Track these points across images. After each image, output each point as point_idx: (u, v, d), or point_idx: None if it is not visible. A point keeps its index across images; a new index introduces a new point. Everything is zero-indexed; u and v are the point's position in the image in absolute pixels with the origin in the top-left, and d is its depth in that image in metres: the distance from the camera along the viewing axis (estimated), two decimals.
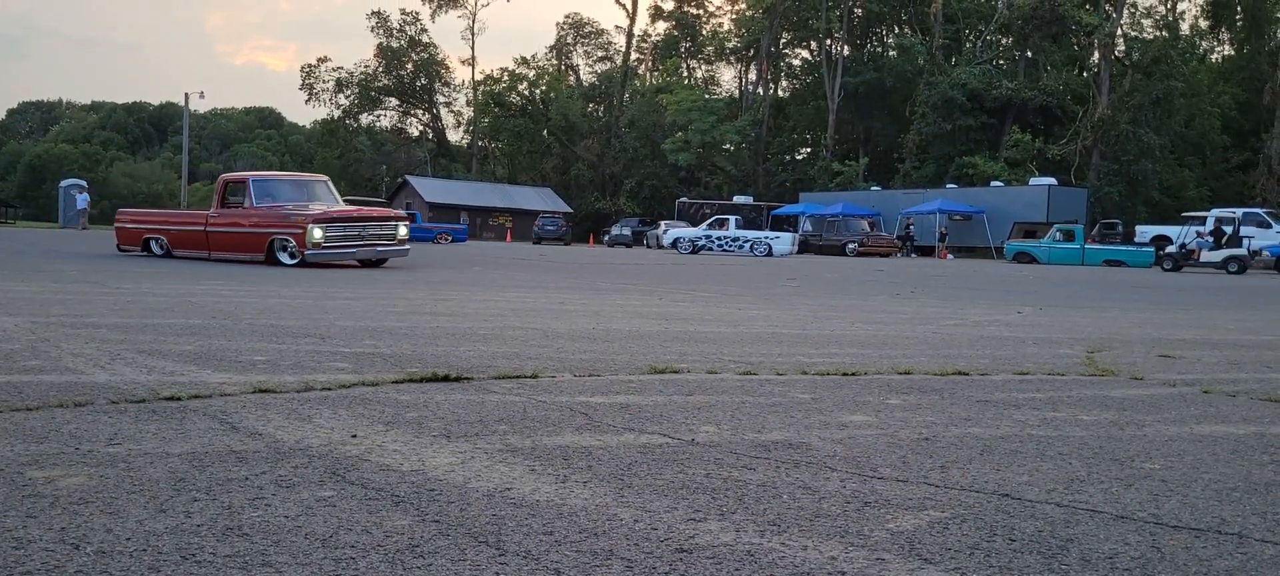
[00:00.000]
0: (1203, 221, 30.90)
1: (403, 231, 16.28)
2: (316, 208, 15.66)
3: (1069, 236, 35.94)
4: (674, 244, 37.15)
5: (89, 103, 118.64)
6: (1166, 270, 28.66)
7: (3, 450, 2.82)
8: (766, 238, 36.09)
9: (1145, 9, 61.01)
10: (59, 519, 2.22)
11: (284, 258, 14.97)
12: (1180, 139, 52.54)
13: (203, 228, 16.19)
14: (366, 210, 17.61)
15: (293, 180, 17.70)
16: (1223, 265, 27.70)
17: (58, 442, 2.93)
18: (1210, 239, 29.09)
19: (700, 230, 37.72)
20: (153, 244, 17.09)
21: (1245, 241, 28.48)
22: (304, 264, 14.72)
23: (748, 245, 35.40)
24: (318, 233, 14.81)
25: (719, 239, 36.15)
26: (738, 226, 37.79)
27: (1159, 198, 49.28)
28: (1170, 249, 29.97)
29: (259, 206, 15.57)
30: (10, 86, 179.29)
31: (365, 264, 15.68)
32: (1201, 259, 28.69)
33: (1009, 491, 2.72)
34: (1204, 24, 61.97)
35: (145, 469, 2.66)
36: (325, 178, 18.34)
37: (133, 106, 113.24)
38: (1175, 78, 50.50)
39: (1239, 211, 31.89)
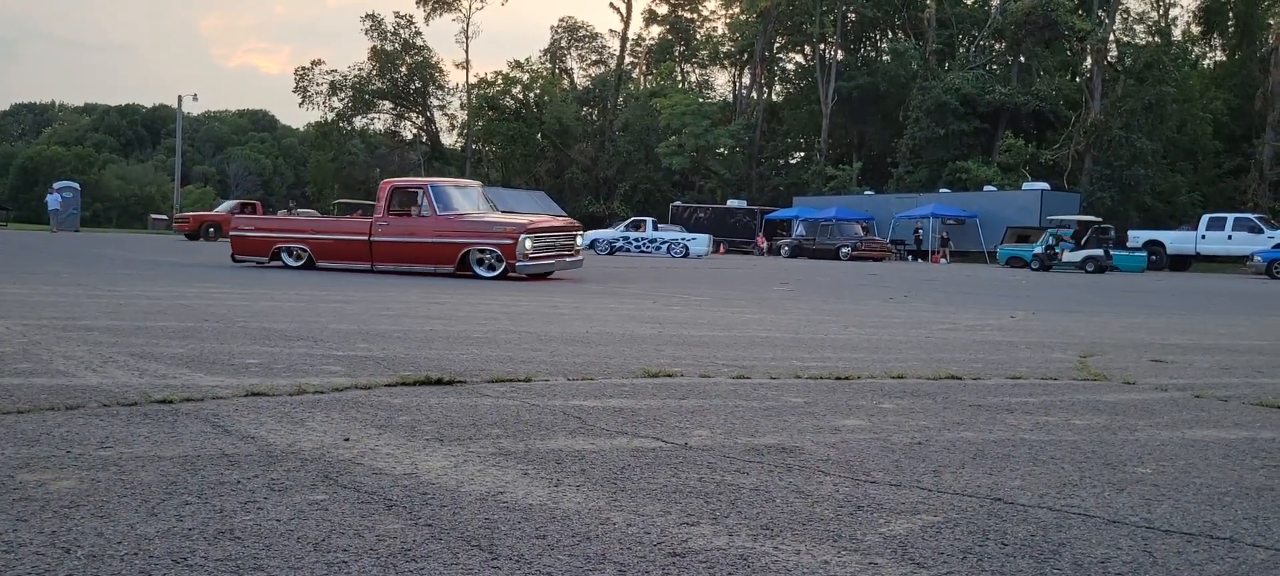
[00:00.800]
0: (1069, 226, 34.22)
1: (580, 242, 15.78)
2: (499, 216, 14.97)
3: (1061, 241, 36.02)
4: (591, 245, 36.27)
5: (82, 105, 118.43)
6: (1035, 270, 31.56)
7: None
8: (683, 238, 36.11)
9: (1138, 15, 61.28)
10: (50, 522, 2.21)
11: (481, 271, 14.17)
12: (1172, 144, 52.71)
13: (365, 237, 14.93)
14: (558, 220, 16.74)
15: (460, 187, 16.36)
16: (1082, 265, 30.92)
17: (49, 446, 2.91)
18: (1067, 243, 32.82)
19: (618, 231, 37.32)
20: (284, 254, 15.59)
21: (1103, 245, 31.93)
22: (503, 276, 13.99)
23: (665, 246, 35.35)
24: (529, 243, 14.07)
25: (636, 239, 35.91)
26: (654, 227, 37.91)
27: (1151, 203, 49.44)
28: (1037, 250, 33.24)
29: (445, 214, 14.64)
30: (2, 88, 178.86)
31: (537, 277, 14.76)
32: (1064, 259, 31.96)
33: (1001, 495, 2.73)
34: (1196, 30, 62.22)
35: (137, 472, 2.65)
36: (478, 183, 17.35)
37: (126, 109, 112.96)
38: (1167, 83, 50.68)
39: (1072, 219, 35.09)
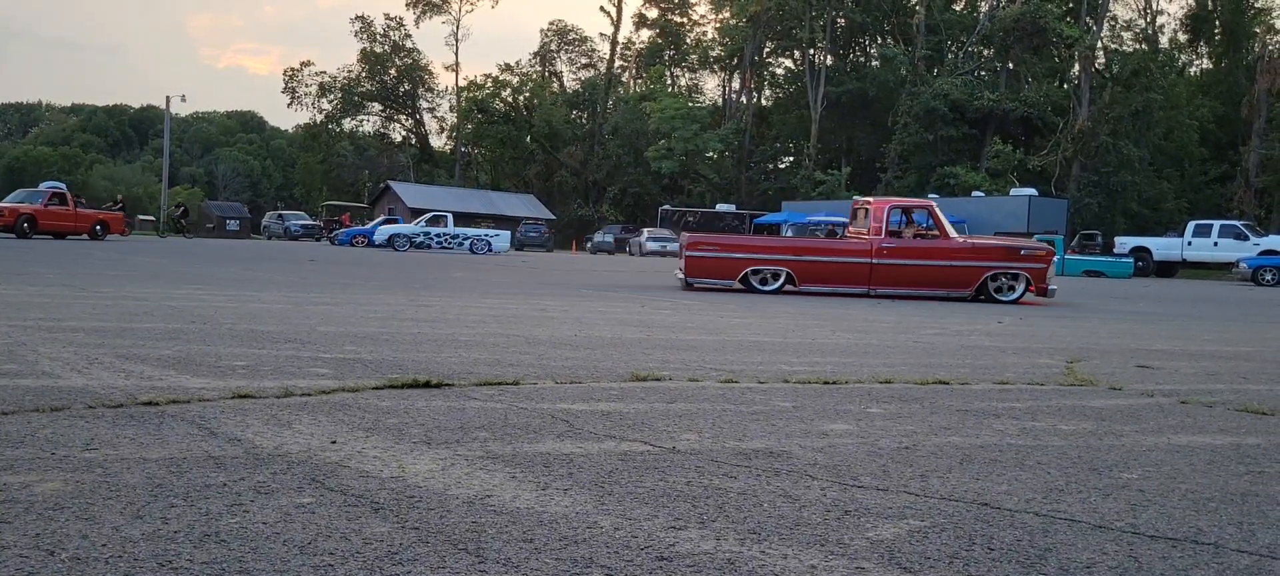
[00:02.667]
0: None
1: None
2: (1020, 240, 14.42)
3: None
4: (390, 241, 35.17)
5: (69, 105, 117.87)
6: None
7: None
8: (487, 235, 35.85)
9: (1125, 22, 61.65)
10: (34, 524, 2.19)
11: (1002, 296, 13.79)
12: (1159, 151, 53.03)
13: (865, 259, 13.98)
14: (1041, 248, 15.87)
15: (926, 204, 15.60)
16: None
17: (33, 447, 2.90)
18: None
19: (418, 226, 36.21)
20: (754, 278, 14.12)
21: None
22: (1016, 302, 13.59)
23: (468, 243, 34.97)
24: (1052, 271, 13.86)
25: (438, 235, 35.29)
26: (453, 223, 37.71)
27: (1138, 209, 49.71)
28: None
29: (962, 236, 14.03)
30: None
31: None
32: None
33: (988, 500, 2.73)
34: (1183, 38, 62.60)
35: (122, 474, 2.64)
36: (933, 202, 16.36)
37: (113, 109, 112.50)
38: (1155, 90, 51.00)
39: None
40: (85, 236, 29.86)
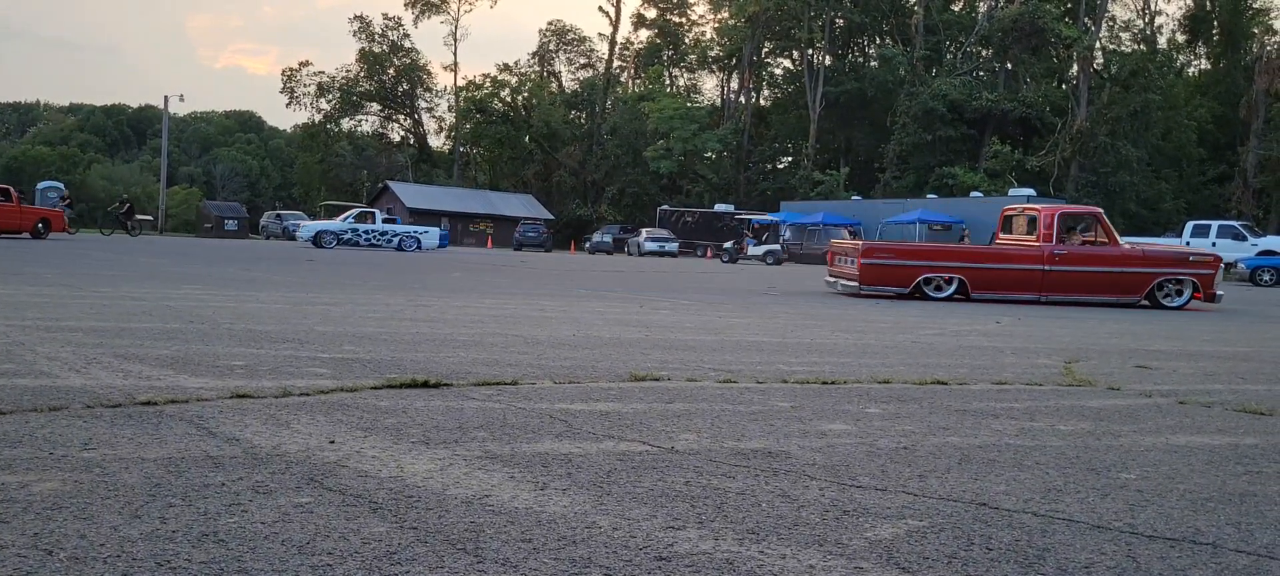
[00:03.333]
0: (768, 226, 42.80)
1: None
2: (1184, 247, 14.61)
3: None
4: (316, 239, 33.98)
5: (67, 104, 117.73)
6: (725, 262, 36.37)
7: None
8: (415, 232, 35.68)
9: (1124, 22, 61.69)
10: (32, 524, 2.19)
11: (1170, 301, 13.86)
12: (1157, 151, 53.06)
13: (1037, 266, 14.02)
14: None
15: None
16: (763, 258, 37.89)
17: (32, 447, 2.90)
18: (753, 238, 40.90)
19: (345, 223, 35.18)
20: (926, 285, 14.07)
21: (781, 241, 40.52)
22: (1182, 308, 13.73)
23: (396, 239, 34.56)
24: (1219, 276, 13.88)
25: (366, 232, 34.73)
26: (382, 220, 37.55)
27: (1136, 209, 49.72)
28: (726, 246, 39.52)
29: (1130, 243, 14.01)
30: None
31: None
32: (749, 253, 38.86)
33: (986, 500, 2.74)
34: (1181, 38, 62.62)
35: (120, 474, 2.64)
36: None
37: (111, 109, 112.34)
38: (1153, 91, 51.02)
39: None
40: (27, 235, 28.10)
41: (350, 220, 35.44)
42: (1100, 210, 14.99)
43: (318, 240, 33.88)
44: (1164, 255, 14.26)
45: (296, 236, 36.80)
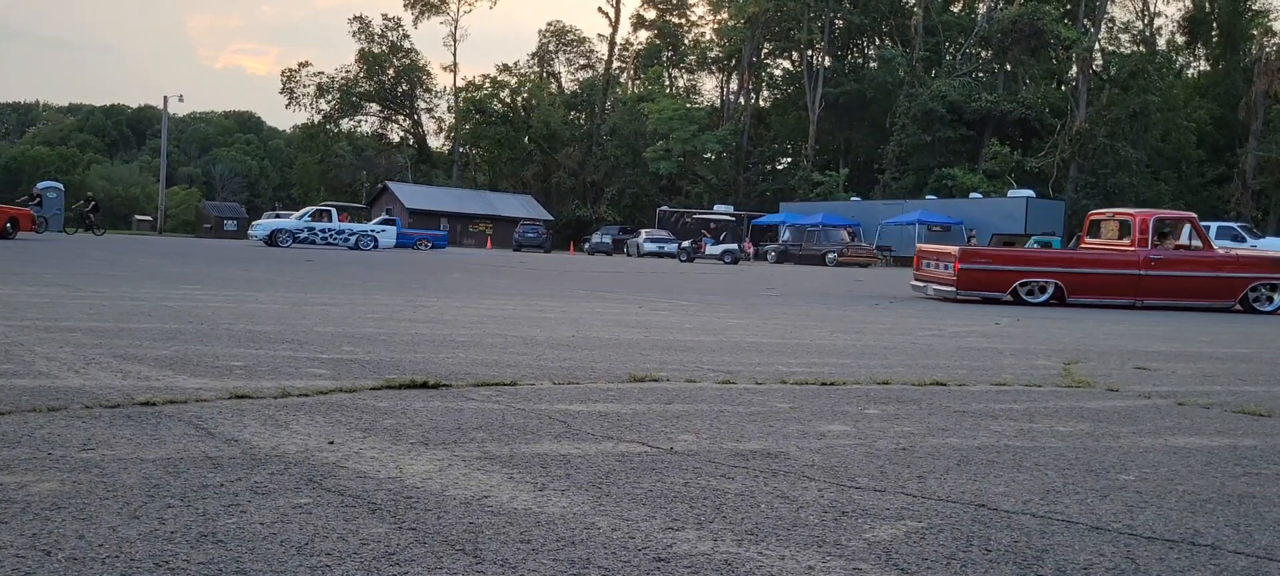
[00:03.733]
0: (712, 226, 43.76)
1: None
2: (1253, 251, 14.76)
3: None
4: (271, 238, 33.22)
5: (66, 104, 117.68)
6: (682, 262, 37.19)
7: None
8: (372, 231, 35.34)
9: (1123, 24, 61.72)
10: (30, 525, 2.19)
11: (1262, 306, 14.03)
12: (1156, 153, 53.11)
13: (1134, 271, 14.07)
14: None
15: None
16: (720, 257, 38.96)
17: (30, 447, 2.89)
18: (711, 237, 41.76)
19: (303, 221, 34.84)
20: (1022, 289, 14.10)
21: (739, 243, 42.29)
22: (1275, 311, 13.91)
23: (353, 238, 34.23)
24: None
25: (322, 231, 34.35)
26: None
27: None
28: (684, 244, 40.28)
29: (1223, 248, 14.14)
30: None
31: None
32: (706, 252, 39.77)
33: (985, 502, 2.74)
34: (1180, 40, 62.68)
35: (119, 475, 2.63)
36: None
37: (111, 109, 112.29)
38: (1152, 92, 51.07)
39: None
40: None
41: (306, 218, 34.74)
42: (1194, 215, 15.05)
43: (272, 239, 33.01)
44: (1257, 260, 14.39)
45: (249, 235, 35.79)
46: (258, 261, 19.70)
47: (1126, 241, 14.47)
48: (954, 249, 15.08)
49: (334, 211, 35.79)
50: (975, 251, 15.64)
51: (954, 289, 14.19)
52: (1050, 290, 14.09)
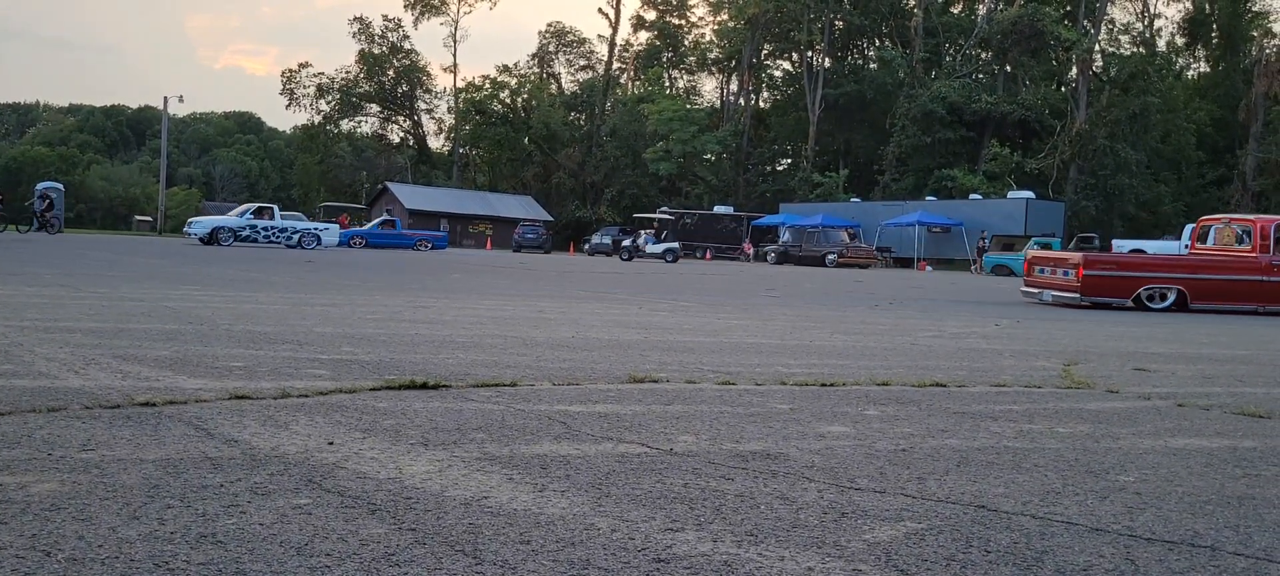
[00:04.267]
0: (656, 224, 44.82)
1: None
2: None
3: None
4: (211, 236, 32.16)
5: (66, 105, 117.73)
6: (624, 260, 37.25)
7: None
8: (315, 229, 34.82)
9: (1123, 26, 61.73)
10: (30, 525, 2.19)
11: None
12: (1156, 154, 53.12)
13: (1260, 277, 14.08)
14: None
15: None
16: (662, 255, 39.19)
17: (30, 448, 2.89)
18: (653, 236, 42.43)
19: (243, 218, 33.74)
20: (1145, 295, 13.93)
21: (680, 242, 43.16)
22: None
23: (296, 237, 33.43)
24: None
25: (265, 229, 33.33)
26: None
27: (1135, 212, 49.80)
28: (624, 243, 40.54)
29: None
30: None
31: None
32: (647, 250, 40.07)
33: (985, 503, 2.74)
34: (1180, 41, 62.70)
35: (118, 475, 2.63)
36: None
37: (110, 109, 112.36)
38: (1152, 94, 51.07)
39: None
40: None
41: (248, 215, 33.79)
42: None
43: (212, 237, 32.09)
44: None
45: (186, 233, 34.54)
46: (257, 262, 19.70)
47: (1246, 247, 14.48)
48: (1077, 255, 15.05)
49: (276, 209, 34.94)
50: (1099, 258, 15.58)
51: (1078, 295, 14.07)
52: (1172, 296, 14.03)
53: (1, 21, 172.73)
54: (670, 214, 49.70)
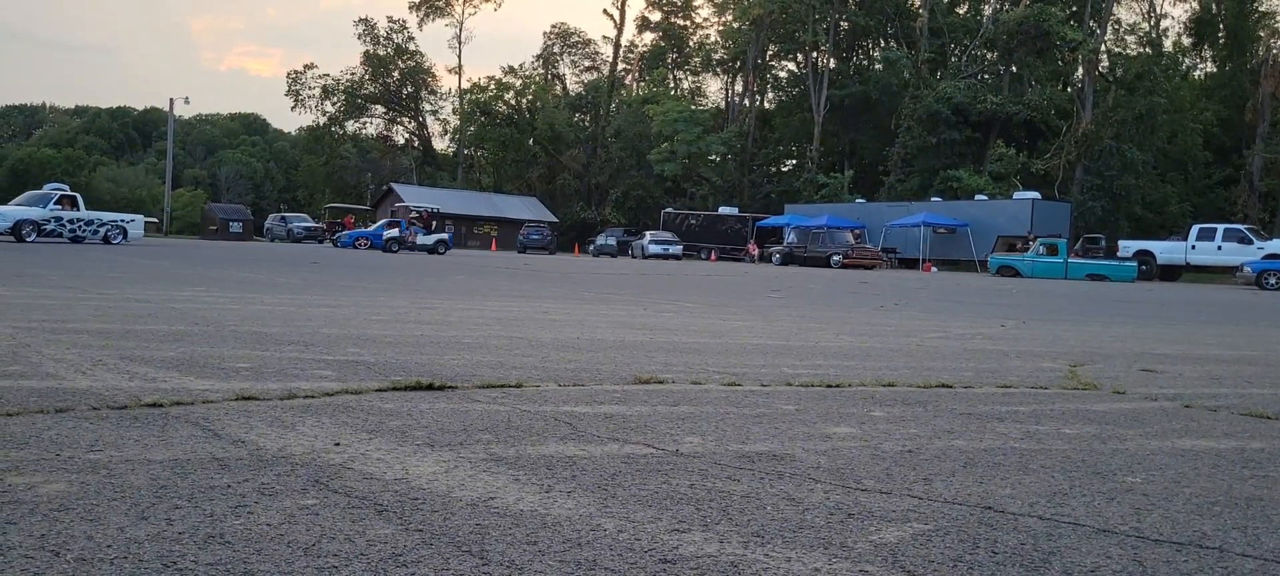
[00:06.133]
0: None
1: None
2: None
3: (1052, 250, 36.11)
4: (14, 230, 28.87)
5: (72, 107, 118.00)
6: (394, 251, 37.09)
7: None
8: (121, 220, 32.38)
9: (1129, 26, 61.55)
10: (39, 525, 2.20)
11: None
12: (1163, 155, 52.94)
13: None
14: None
15: None
16: (433, 248, 38.67)
17: (38, 449, 2.90)
18: (422, 228, 40.93)
19: (48, 210, 30.29)
20: None
21: (449, 232, 42.42)
22: None
23: (102, 230, 30.98)
24: None
25: (70, 221, 30.50)
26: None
27: (1141, 213, 49.63)
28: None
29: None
30: None
31: None
32: (417, 242, 39.12)
33: (992, 504, 2.73)
34: (1187, 41, 62.49)
35: (126, 476, 2.64)
36: None
37: (116, 111, 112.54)
38: (1158, 94, 50.90)
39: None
40: None
41: (53, 206, 30.70)
42: None
43: (16, 231, 29.29)
44: None
45: None
46: (263, 263, 19.73)
47: None
48: None
49: (80, 199, 32.25)
50: None
51: None
52: None
53: (6, 23, 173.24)
54: (430, 210, 48.65)
